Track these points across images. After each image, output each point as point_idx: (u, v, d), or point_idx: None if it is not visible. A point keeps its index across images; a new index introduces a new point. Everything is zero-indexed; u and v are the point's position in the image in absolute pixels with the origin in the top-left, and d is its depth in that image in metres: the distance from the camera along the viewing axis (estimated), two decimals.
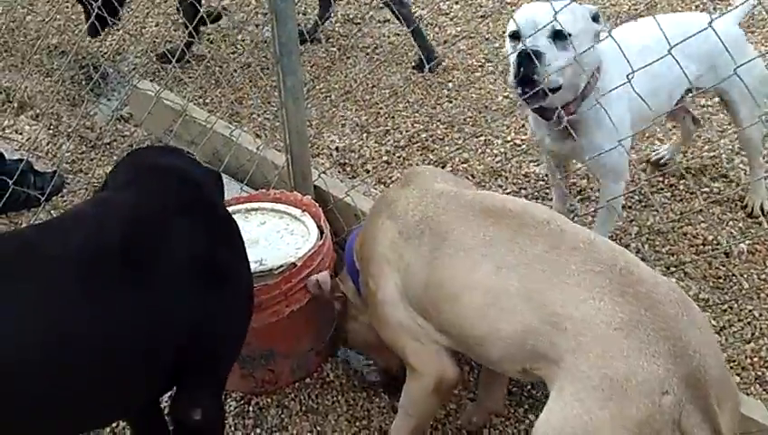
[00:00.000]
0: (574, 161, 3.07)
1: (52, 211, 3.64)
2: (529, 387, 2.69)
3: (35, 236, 1.96)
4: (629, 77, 2.30)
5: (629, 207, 3.38)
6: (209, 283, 1.99)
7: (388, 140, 4.02)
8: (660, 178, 3.54)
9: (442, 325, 2.05)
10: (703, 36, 2.27)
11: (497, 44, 4.75)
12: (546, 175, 3.43)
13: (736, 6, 3.02)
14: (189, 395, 2.08)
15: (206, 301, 1.99)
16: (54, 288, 1.79)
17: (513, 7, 5.01)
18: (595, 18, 2.53)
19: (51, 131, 4.29)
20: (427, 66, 4.30)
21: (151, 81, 4.29)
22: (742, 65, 2.37)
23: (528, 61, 2.43)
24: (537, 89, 2.47)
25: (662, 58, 2.26)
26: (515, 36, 2.52)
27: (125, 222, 1.96)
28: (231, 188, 3.17)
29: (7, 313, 1.71)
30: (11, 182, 3.26)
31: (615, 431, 1.65)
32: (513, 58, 2.50)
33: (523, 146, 3.84)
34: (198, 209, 2.11)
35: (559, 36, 2.43)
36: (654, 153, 3.64)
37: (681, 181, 3.51)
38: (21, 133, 4.28)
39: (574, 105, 2.59)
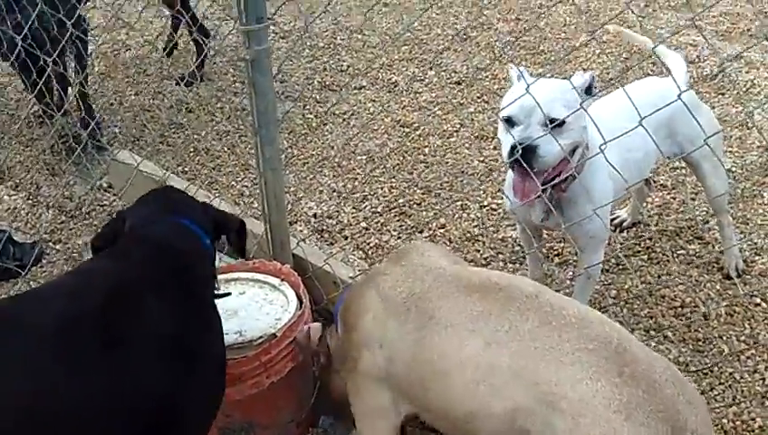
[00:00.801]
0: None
1: (30, 282, 3.62)
2: None
3: (13, 306, 2.00)
4: (602, 147, 2.34)
5: (607, 271, 3.40)
6: (179, 359, 2.01)
7: (366, 206, 4.05)
8: (636, 242, 3.58)
9: (428, 404, 2.05)
10: (660, 102, 2.33)
11: (471, 109, 4.81)
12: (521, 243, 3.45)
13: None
14: None
15: (177, 376, 2.00)
16: (31, 357, 1.81)
17: (487, 73, 5.13)
18: (588, 90, 2.50)
19: (30, 201, 4.29)
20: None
21: (130, 150, 4.30)
22: (711, 136, 2.44)
23: (523, 152, 2.40)
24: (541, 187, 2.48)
25: (633, 129, 2.30)
26: (509, 121, 2.48)
27: (102, 295, 1.98)
28: None
29: None
30: None
31: None
32: (506, 144, 2.47)
33: (500, 210, 3.87)
34: (173, 287, 2.13)
35: (554, 122, 2.40)
36: (615, 217, 3.68)
37: (657, 244, 3.55)
38: (0, 203, 4.27)
39: (566, 183, 2.60)
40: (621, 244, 3.58)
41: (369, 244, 3.77)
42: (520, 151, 2.40)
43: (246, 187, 4.26)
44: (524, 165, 2.42)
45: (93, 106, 4.73)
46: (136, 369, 1.93)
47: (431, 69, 5.38)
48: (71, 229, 4.03)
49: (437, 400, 2.01)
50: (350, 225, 3.93)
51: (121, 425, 1.90)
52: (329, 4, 5.25)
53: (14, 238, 3.74)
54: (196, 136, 4.78)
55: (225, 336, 2.56)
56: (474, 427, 1.94)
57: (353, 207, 4.05)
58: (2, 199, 4.30)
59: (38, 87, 4.00)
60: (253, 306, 2.78)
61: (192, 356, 2.06)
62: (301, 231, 3.84)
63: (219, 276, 2.89)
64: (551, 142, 2.41)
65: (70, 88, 4.44)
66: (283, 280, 2.87)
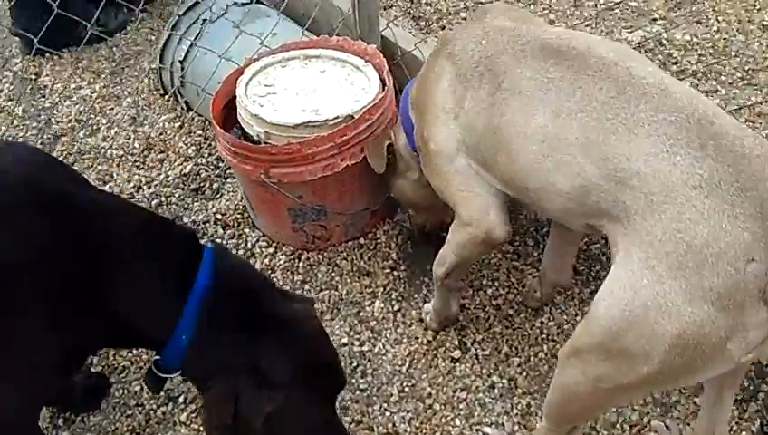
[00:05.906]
0: None
1: (113, 47, 3.56)
2: (598, 268, 2.52)
3: None
4: None
5: None
6: None
7: None
8: None
9: (501, 176, 1.89)
10: None
11: None
12: None
13: None
14: None
15: None
16: None
17: None
18: None
19: None
20: None
21: None
22: None
23: None
24: None
25: None
26: None
27: None
28: (293, 33, 2.98)
29: None
30: None
31: (692, 304, 1.46)
32: None
33: None
34: None
35: None
36: None
37: None
38: None
39: None
40: None
41: None
42: None
43: None
44: None
45: None
46: None
47: None
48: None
49: (506, 173, 1.85)
50: (450, 14, 3.64)
51: None
52: None
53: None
54: None
55: (300, 114, 2.45)
56: (543, 204, 1.81)
57: None
58: None
59: None
60: (333, 86, 2.61)
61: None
62: (396, 17, 3.59)
63: (299, 52, 2.74)
64: None
65: None
66: (367, 61, 2.67)
